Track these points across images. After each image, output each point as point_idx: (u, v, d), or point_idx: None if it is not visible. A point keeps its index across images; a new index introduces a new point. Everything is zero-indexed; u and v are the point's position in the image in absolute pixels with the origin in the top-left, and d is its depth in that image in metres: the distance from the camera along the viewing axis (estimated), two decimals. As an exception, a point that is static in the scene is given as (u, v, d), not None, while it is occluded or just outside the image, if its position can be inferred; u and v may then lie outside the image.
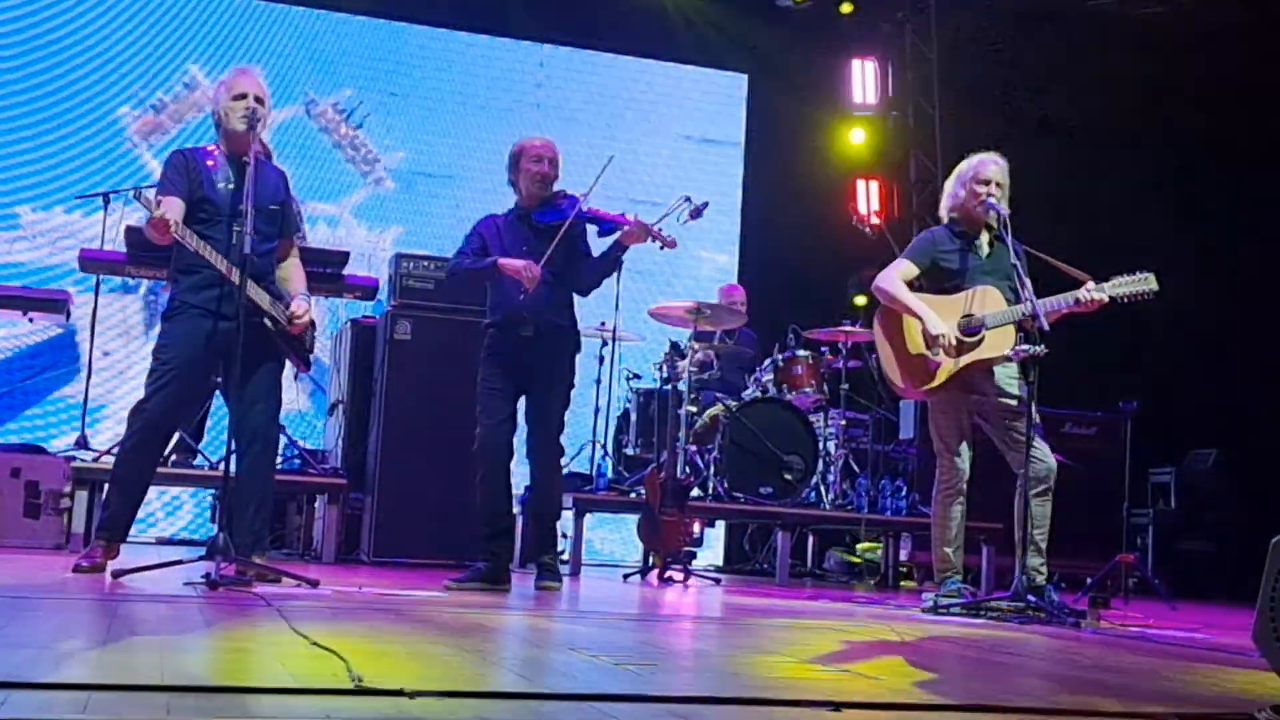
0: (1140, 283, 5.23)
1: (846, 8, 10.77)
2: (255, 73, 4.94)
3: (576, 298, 5.72)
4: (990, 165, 5.43)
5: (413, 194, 9.85)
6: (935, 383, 5.36)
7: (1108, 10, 10.68)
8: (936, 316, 5.31)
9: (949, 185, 5.61)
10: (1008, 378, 5.38)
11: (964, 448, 5.51)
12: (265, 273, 4.89)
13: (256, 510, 4.85)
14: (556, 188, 5.57)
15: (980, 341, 5.29)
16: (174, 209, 4.65)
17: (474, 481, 5.39)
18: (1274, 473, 8.74)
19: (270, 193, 4.91)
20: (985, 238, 5.50)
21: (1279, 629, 2.48)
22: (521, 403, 5.52)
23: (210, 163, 4.84)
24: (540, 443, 5.49)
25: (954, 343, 5.29)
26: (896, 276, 5.46)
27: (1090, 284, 5.26)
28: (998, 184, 5.39)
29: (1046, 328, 5.04)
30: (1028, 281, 5.17)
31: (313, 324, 5.12)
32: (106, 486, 4.99)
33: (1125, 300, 5.24)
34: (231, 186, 4.78)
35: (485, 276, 5.47)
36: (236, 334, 4.48)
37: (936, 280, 5.48)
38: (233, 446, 4.67)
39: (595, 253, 5.68)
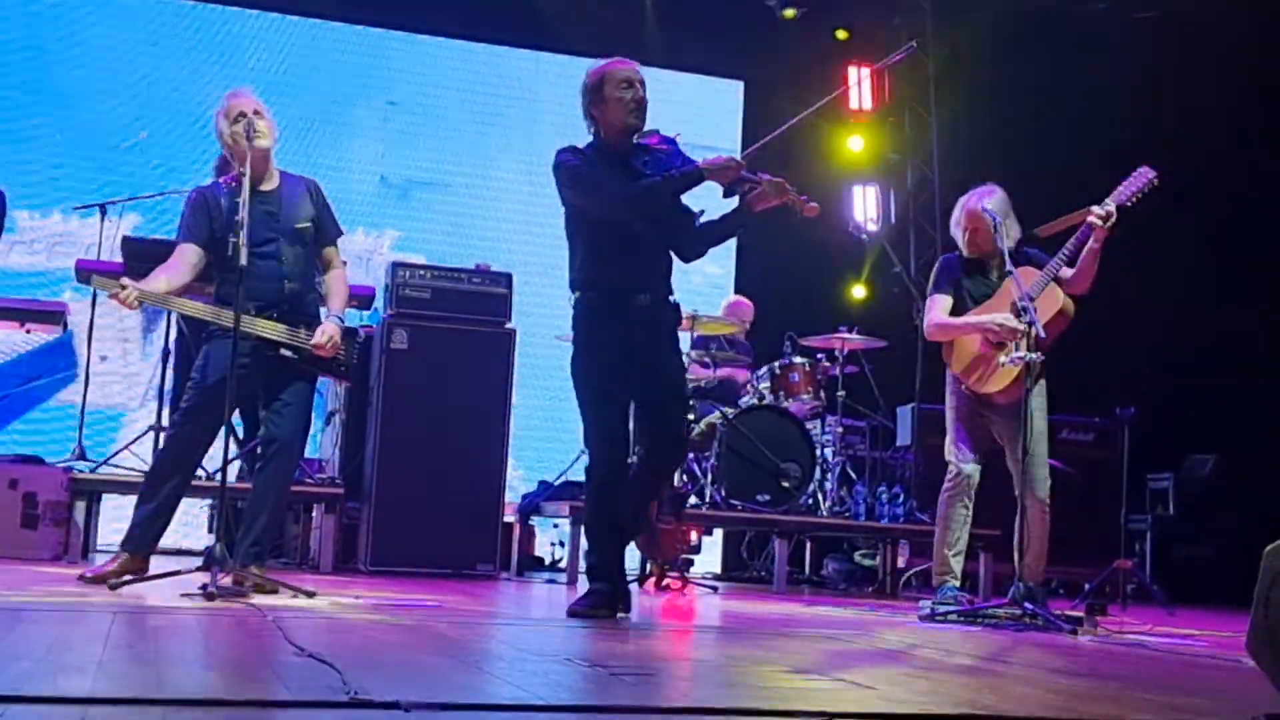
0: (1137, 179, 5.39)
1: (842, 35, 10.80)
2: (246, 91, 4.93)
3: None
4: (974, 206, 5.55)
5: (408, 202, 9.86)
6: (1007, 382, 5.44)
7: (1104, 15, 10.71)
8: (977, 320, 5.49)
9: (952, 226, 5.75)
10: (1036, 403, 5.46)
11: (974, 455, 5.61)
12: (297, 295, 4.85)
13: (268, 520, 4.85)
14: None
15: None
16: (182, 260, 4.75)
17: (590, 490, 4.68)
18: (1273, 478, 8.74)
19: (297, 212, 4.89)
20: (995, 262, 5.61)
21: (1273, 637, 2.48)
22: None
23: (225, 198, 4.80)
24: (662, 432, 4.70)
25: (1013, 325, 5.33)
26: (939, 313, 5.65)
27: (1095, 209, 5.33)
28: (999, 236, 5.39)
29: (1044, 335, 5.11)
30: (1028, 304, 5.19)
31: (353, 333, 5.05)
32: (137, 499, 4.97)
33: (1133, 203, 5.36)
34: (245, 214, 4.70)
35: (684, 188, 4.55)
36: (252, 360, 4.62)
37: (959, 307, 5.64)
38: (228, 457, 4.67)
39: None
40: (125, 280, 4.63)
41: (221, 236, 4.73)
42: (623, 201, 4.57)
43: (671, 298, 4.76)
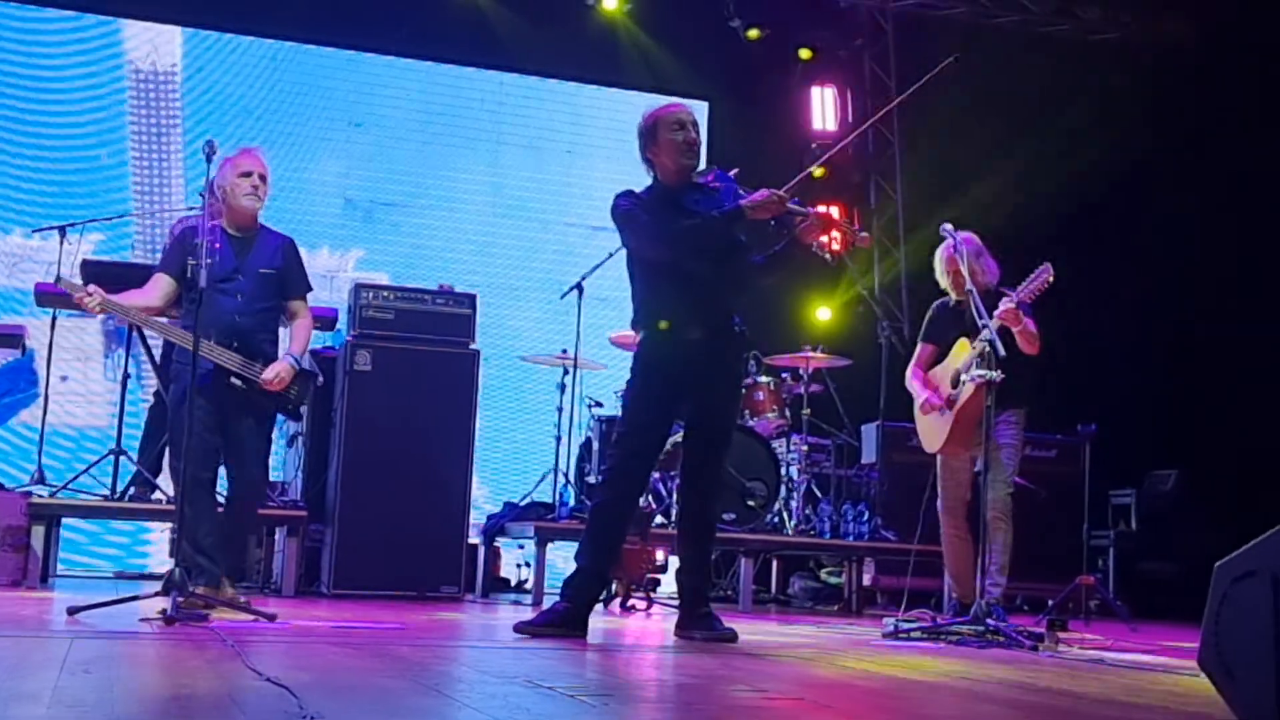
0: (1036, 277, 5.50)
1: (805, 54, 10.85)
2: (259, 152, 5.28)
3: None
4: (945, 254, 5.84)
5: (372, 224, 9.84)
6: (941, 442, 5.85)
7: (1061, 35, 10.83)
8: (923, 391, 5.90)
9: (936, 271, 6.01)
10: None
11: (949, 503, 5.94)
12: (248, 331, 5.08)
13: (228, 542, 5.08)
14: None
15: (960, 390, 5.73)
16: (154, 286, 5.06)
17: (591, 512, 4.84)
18: (1234, 493, 8.81)
19: (265, 259, 5.19)
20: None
21: (1223, 652, 2.51)
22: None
23: (204, 236, 4.97)
24: (703, 460, 4.80)
25: (937, 401, 5.82)
26: (912, 364, 6.07)
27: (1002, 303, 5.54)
28: (963, 263, 5.61)
29: (1002, 352, 5.21)
30: (989, 321, 5.28)
31: (310, 376, 5.30)
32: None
33: (1033, 300, 5.53)
34: (214, 261, 4.81)
35: (726, 226, 4.63)
36: (210, 385, 4.85)
37: (945, 346, 5.95)
38: (186, 483, 4.64)
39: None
40: (92, 286, 4.91)
41: (193, 271, 4.96)
42: (665, 242, 4.70)
43: (737, 329, 4.81)
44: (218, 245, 4.85)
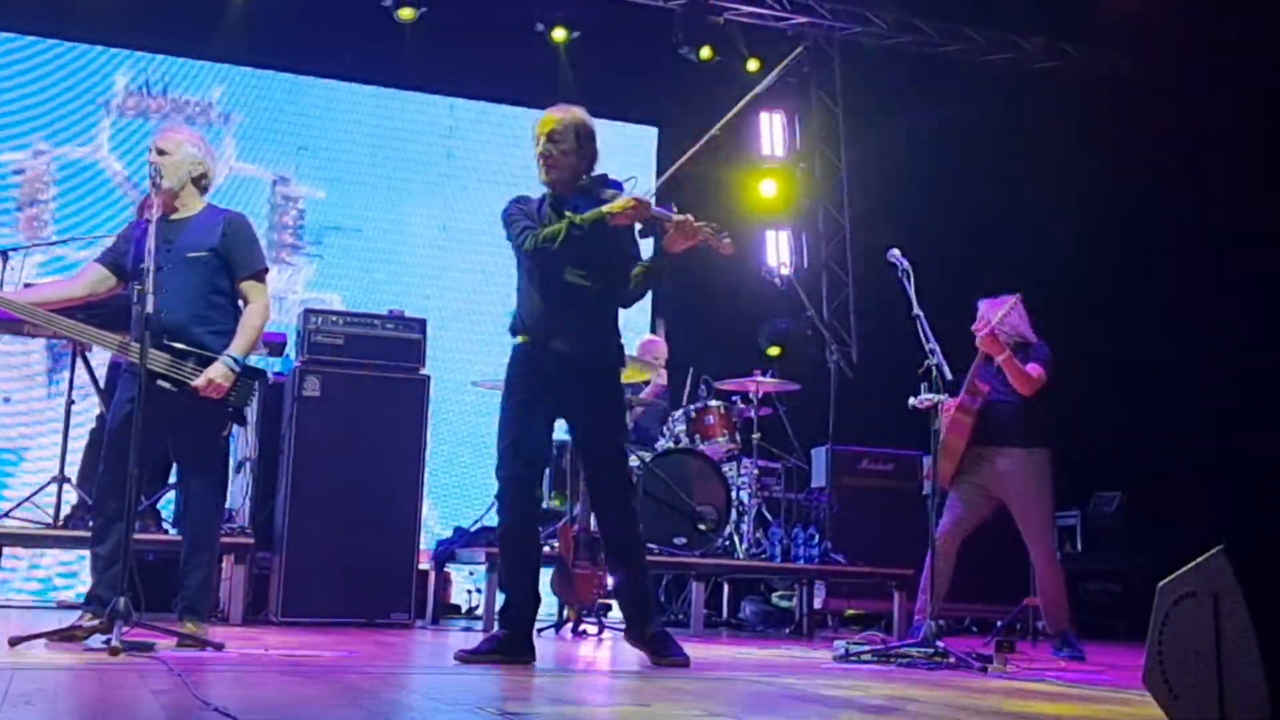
0: (1001, 304, 6.01)
1: (753, 65, 10.93)
2: (166, 128, 5.06)
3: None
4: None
5: (321, 248, 9.79)
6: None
7: (1005, 64, 11.00)
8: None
9: None
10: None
11: (951, 517, 6.22)
12: (178, 326, 4.65)
13: (201, 575, 4.84)
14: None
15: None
16: (82, 273, 4.87)
17: (497, 535, 4.79)
18: (1178, 514, 8.92)
19: (193, 242, 4.78)
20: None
21: (1167, 672, 2.54)
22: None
23: (139, 229, 4.83)
24: (604, 480, 4.74)
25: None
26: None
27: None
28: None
29: (949, 376, 5.31)
30: (935, 346, 5.37)
31: (255, 374, 4.88)
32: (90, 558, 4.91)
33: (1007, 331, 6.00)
34: (130, 252, 4.73)
35: (583, 231, 4.50)
36: (142, 401, 4.36)
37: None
38: (133, 508, 4.57)
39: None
40: None
41: (127, 265, 4.79)
42: (521, 243, 4.62)
43: (611, 343, 4.74)
44: (140, 235, 4.59)
